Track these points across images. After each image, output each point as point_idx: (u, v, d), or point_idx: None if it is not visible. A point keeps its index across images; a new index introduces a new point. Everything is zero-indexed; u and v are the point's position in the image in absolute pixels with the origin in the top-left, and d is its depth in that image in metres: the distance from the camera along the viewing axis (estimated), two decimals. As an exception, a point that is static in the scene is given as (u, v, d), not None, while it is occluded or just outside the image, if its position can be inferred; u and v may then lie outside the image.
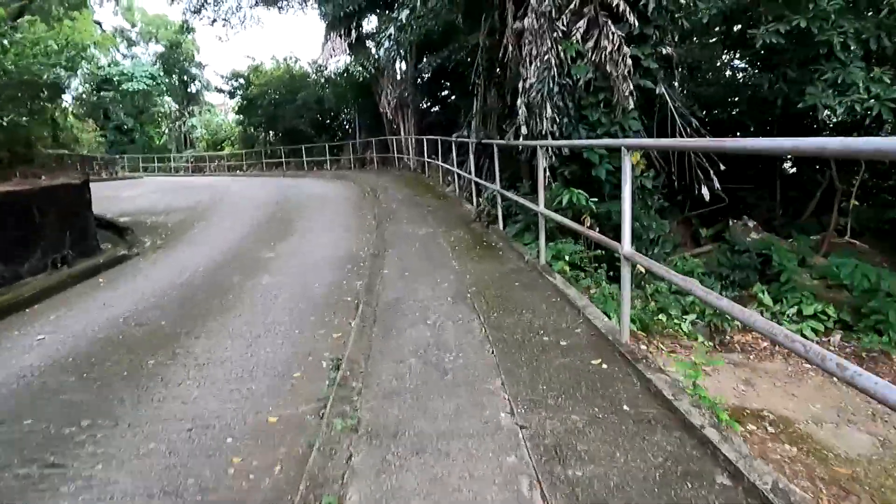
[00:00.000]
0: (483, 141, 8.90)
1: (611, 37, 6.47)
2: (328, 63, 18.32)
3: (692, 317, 5.96)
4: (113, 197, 15.52)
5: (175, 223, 10.74)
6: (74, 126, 22.82)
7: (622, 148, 3.19)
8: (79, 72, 26.94)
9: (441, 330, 3.94)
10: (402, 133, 18.78)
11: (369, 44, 17.49)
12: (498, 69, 9.41)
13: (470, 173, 9.59)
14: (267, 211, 11.61)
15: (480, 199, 9.39)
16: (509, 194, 6.86)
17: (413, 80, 17.83)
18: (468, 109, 13.00)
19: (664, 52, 7.00)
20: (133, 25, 37.30)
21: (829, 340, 5.70)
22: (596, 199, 6.37)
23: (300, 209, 11.62)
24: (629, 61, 6.34)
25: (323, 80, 20.13)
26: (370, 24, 18.59)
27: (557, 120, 6.50)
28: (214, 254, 7.76)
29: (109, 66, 35.24)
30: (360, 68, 16.91)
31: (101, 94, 34.74)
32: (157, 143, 37.36)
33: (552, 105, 6.56)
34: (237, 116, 29.61)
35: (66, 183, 7.86)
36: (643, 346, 5.19)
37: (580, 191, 6.27)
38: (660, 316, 6.05)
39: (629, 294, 3.31)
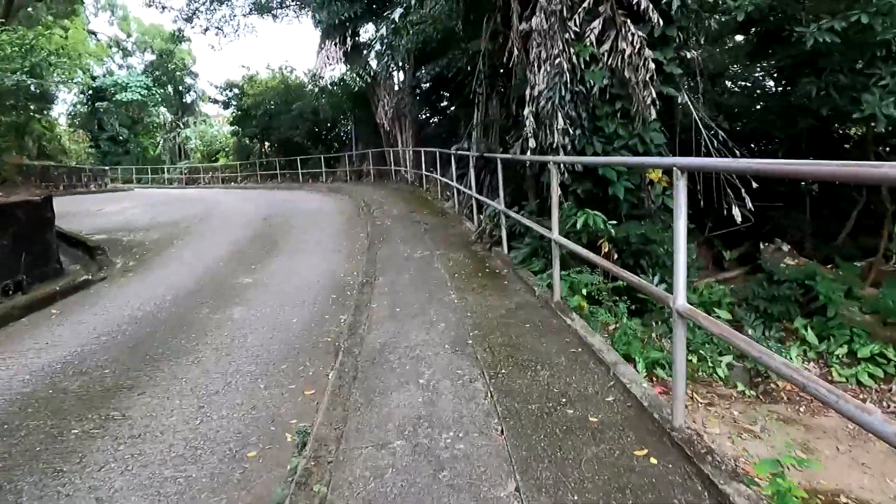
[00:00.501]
0: (486, 155, 8.14)
1: (630, 38, 5.75)
2: (323, 72, 17.64)
3: (728, 358, 5.17)
4: (95, 211, 14.81)
5: (154, 241, 9.97)
6: (62, 137, 22.13)
7: (674, 170, 2.43)
8: (59, 80, 26.33)
9: (436, 394, 3.15)
10: (400, 145, 18.08)
11: (365, 52, 16.81)
12: (501, 76, 8.70)
13: (470, 188, 8.84)
14: (253, 228, 10.86)
15: (481, 217, 8.64)
16: (516, 215, 6.10)
17: (411, 89, 17.16)
18: (468, 120, 12.31)
19: (688, 55, 6.28)
20: (128, 35, 36.83)
21: (890, 389, 4.90)
22: (615, 222, 5.60)
23: (289, 226, 10.86)
24: (651, 65, 5.60)
25: (318, 90, 19.44)
26: (367, 32, 17.98)
27: (571, 132, 5.75)
28: (188, 279, 6.99)
29: (104, 76, 34.74)
30: (356, 77, 16.23)
31: (96, 104, 34.20)
32: (152, 153, 36.72)
33: (564, 115, 5.82)
34: (232, 127, 28.95)
35: (23, 200, 7.10)
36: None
37: (596, 212, 5.50)
38: (691, 357, 5.27)
39: (684, 362, 2.52)
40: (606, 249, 5.60)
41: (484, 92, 9.50)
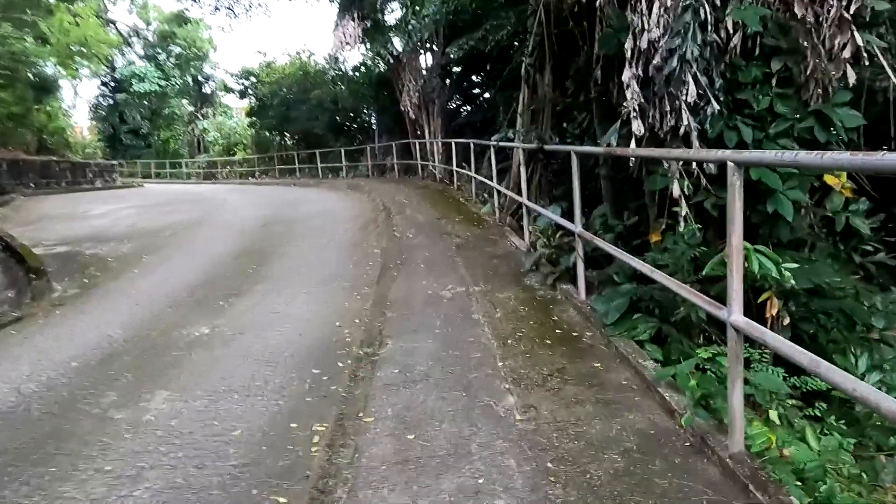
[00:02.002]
0: (546, 147, 5.78)
1: (813, -53, 3.36)
2: (339, 52, 15.49)
3: None
4: (81, 214, 13.03)
5: (119, 257, 7.99)
6: (66, 130, 20.63)
7: None
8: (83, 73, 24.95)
9: None
10: (427, 135, 15.83)
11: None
12: (564, 40, 6.34)
13: (520, 193, 6.54)
14: (246, 239, 8.79)
15: (531, 230, 6.37)
16: (617, 250, 3.79)
17: (440, 69, 14.87)
18: (508, 106, 10.02)
19: (897, -18, 3.84)
20: (148, 24, 35.40)
21: None
22: (795, 265, 3.21)
23: (289, 237, 8.76)
24: (863, -12, 3.21)
25: (334, 75, 17.32)
26: (392, 13, 15.75)
27: (713, 109, 3.40)
28: (121, 326, 4.92)
29: (124, 67, 33.48)
30: (378, 57, 14.02)
31: (117, 96, 32.99)
32: (172, 147, 35.40)
33: (694, 78, 3.47)
34: (250, 118, 27.18)
35: None
36: None
37: (765, 249, 3.11)
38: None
39: None
40: (776, 311, 3.24)
41: (534, 63, 7.16)
